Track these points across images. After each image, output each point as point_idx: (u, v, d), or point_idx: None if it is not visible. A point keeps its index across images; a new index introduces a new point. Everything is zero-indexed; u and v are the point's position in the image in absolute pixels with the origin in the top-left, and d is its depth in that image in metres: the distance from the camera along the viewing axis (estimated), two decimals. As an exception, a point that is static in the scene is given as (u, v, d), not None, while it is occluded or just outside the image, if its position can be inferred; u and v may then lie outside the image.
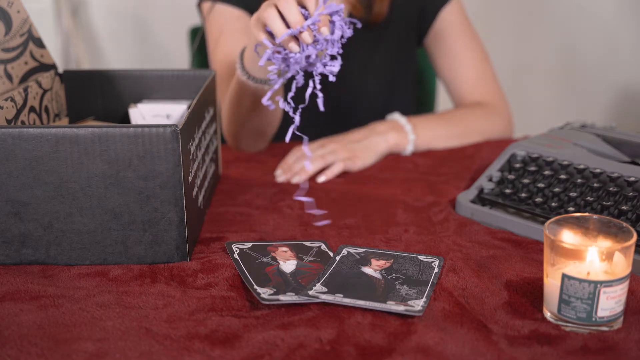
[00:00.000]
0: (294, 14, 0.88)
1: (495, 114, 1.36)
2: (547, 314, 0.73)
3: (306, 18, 0.89)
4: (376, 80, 1.43)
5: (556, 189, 0.95)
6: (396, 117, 1.26)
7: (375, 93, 1.43)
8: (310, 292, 0.75)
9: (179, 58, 2.21)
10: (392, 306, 0.73)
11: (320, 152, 1.15)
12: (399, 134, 1.22)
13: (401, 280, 0.79)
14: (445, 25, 1.39)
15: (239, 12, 1.32)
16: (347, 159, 1.15)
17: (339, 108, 1.42)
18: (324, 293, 0.75)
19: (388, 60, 1.43)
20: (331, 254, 0.86)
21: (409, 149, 1.24)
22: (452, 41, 1.40)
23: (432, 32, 1.40)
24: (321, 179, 1.12)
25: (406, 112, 1.46)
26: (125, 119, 1.09)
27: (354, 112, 1.43)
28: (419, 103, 1.67)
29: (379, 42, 1.41)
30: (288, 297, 0.75)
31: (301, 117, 0.95)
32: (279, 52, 0.91)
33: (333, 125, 1.38)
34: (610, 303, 0.69)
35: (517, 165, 1.02)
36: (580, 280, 0.69)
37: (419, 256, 0.85)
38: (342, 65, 0.92)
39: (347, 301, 0.74)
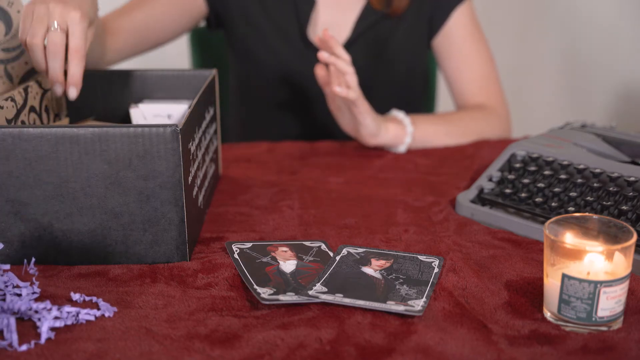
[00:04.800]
0: None
1: (494, 117, 1.37)
2: (547, 314, 0.73)
3: None
4: (388, 73, 1.42)
5: (556, 189, 0.95)
6: (394, 112, 1.26)
7: (386, 86, 1.43)
8: (310, 292, 0.75)
9: (179, 58, 2.21)
10: (392, 306, 0.73)
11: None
12: (397, 126, 1.23)
13: (401, 280, 0.79)
14: (457, 25, 1.40)
15: None
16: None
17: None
18: (324, 293, 0.75)
19: (401, 53, 1.43)
20: (331, 254, 0.86)
21: (407, 141, 1.24)
22: (461, 42, 1.40)
23: (443, 31, 1.41)
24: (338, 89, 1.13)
25: (416, 110, 1.46)
26: (125, 119, 1.09)
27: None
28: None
29: (394, 33, 1.41)
30: (288, 297, 0.75)
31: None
32: None
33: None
34: (610, 303, 0.69)
35: (517, 165, 1.02)
36: (580, 280, 0.69)
37: (419, 256, 0.85)
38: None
39: (347, 301, 0.74)
